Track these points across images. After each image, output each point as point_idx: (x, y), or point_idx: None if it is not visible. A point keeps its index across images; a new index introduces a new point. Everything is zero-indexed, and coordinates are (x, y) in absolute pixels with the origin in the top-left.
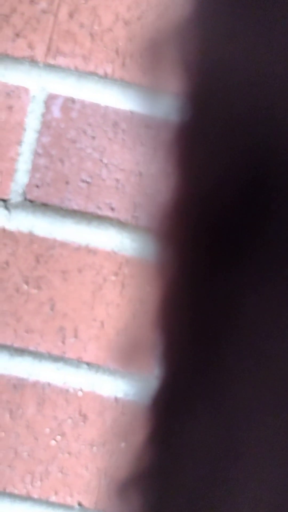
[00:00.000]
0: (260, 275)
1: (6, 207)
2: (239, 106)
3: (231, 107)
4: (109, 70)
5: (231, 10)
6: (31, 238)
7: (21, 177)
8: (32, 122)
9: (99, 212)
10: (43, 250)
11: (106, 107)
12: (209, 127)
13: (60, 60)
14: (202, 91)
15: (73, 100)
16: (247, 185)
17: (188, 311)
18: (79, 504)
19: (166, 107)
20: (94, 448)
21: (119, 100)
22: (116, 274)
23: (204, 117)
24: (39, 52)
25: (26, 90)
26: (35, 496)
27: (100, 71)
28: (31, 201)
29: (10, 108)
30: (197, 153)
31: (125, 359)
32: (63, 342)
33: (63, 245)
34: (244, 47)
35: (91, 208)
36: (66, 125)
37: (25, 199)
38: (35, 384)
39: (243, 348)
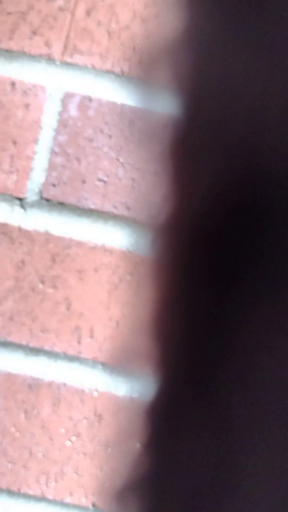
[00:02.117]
0: (257, 286)
1: (22, 206)
2: (237, 119)
3: (228, 120)
4: (126, 68)
5: (230, 25)
6: (47, 237)
7: (38, 176)
8: (49, 120)
9: (115, 211)
10: (59, 249)
11: (123, 106)
12: (205, 139)
13: (77, 58)
14: (199, 104)
15: (90, 99)
16: (246, 195)
17: (185, 318)
18: (94, 505)
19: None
20: (109, 448)
21: (135, 98)
22: (131, 273)
23: (200, 129)
24: (56, 50)
25: (43, 88)
26: (50, 496)
27: (117, 69)
28: (47, 200)
29: (27, 106)
30: (193, 168)
31: (128, 359)
32: (79, 342)
33: (79, 244)
34: (244, 61)
35: (107, 207)
36: (82, 124)
37: (42, 198)
38: (50, 384)
39: (240, 355)
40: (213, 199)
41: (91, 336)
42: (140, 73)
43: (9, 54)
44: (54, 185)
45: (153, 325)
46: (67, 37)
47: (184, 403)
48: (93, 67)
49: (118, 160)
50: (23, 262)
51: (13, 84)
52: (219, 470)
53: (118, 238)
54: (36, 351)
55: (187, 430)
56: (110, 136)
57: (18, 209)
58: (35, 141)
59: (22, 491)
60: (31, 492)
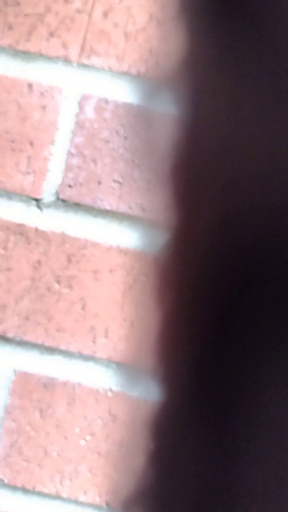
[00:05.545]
0: (267, 295)
1: (39, 207)
2: (247, 128)
3: (238, 127)
4: (142, 70)
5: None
6: (63, 237)
7: (54, 177)
8: (66, 122)
9: (131, 212)
10: (75, 250)
11: (139, 107)
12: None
13: (94, 60)
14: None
15: (106, 101)
16: (259, 200)
17: (189, 333)
18: (107, 504)
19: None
20: (123, 448)
21: (147, 100)
22: (146, 274)
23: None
24: (73, 52)
25: (59, 90)
26: (64, 495)
27: (134, 71)
28: (63, 201)
29: (43, 107)
30: (204, 175)
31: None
32: (94, 342)
33: (95, 245)
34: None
35: (122, 208)
36: (99, 126)
37: (58, 198)
38: (65, 384)
39: (243, 370)
40: (226, 206)
41: (106, 336)
42: (154, 77)
43: (27, 55)
44: (70, 186)
45: (158, 341)
46: (84, 39)
47: (188, 417)
48: (110, 69)
49: (133, 161)
50: (39, 262)
51: (30, 85)
52: (223, 483)
53: (133, 239)
54: (51, 350)
55: (191, 441)
56: (126, 138)
57: (34, 210)
58: (52, 142)
59: (36, 489)
60: (45, 491)
